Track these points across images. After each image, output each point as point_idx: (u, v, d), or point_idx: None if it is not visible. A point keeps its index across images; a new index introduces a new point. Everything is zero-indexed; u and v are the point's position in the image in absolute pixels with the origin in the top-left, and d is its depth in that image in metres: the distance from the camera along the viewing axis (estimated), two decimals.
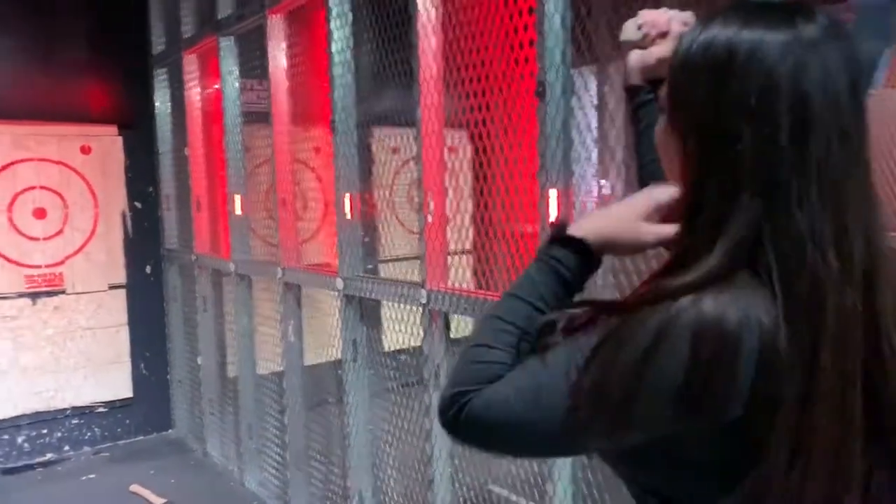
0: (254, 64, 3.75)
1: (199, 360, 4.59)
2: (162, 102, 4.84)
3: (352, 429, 3.05)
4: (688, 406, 0.76)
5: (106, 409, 4.83)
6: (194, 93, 4.38)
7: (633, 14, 1.10)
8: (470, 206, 2.59)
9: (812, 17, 0.78)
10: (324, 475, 3.48)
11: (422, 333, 2.54)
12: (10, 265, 4.45)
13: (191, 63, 4.36)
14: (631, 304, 0.82)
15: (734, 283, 0.77)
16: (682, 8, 1.06)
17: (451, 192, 2.59)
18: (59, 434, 4.69)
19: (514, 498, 2.58)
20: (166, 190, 4.89)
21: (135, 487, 4.11)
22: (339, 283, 2.98)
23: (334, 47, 2.88)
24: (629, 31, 1.08)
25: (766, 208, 0.77)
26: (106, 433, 4.84)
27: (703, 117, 0.81)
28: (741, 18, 0.79)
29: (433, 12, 2.42)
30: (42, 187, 4.54)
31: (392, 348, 3.25)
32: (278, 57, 3.40)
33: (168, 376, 5.09)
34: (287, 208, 3.45)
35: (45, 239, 4.56)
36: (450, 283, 2.53)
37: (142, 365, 4.97)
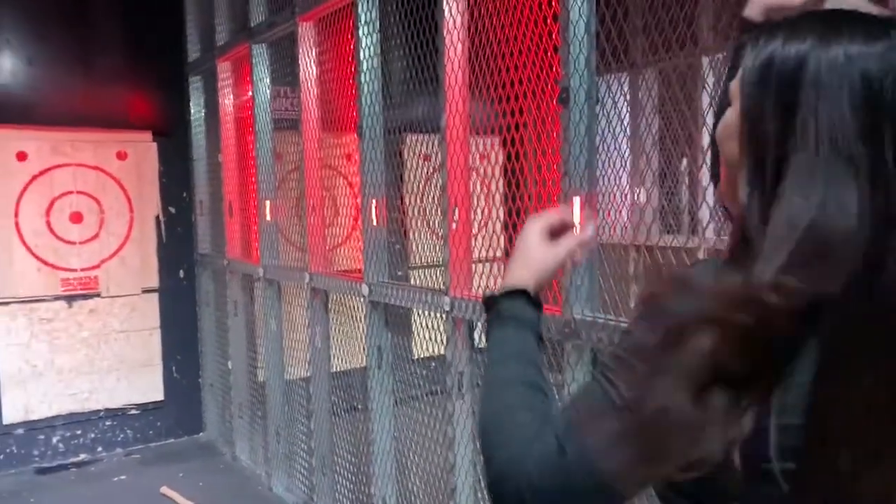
0: (286, 71, 3.79)
1: (229, 365, 4.63)
2: (196, 109, 4.92)
3: (375, 436, 3.05)
4: None
5: (138, 412, 4.90)
6: (227, 100, 4.43)
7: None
8: (502, 212, 2.57)
9: None
10: (350, 481, 3.48)
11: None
12: (47, 268, 4.54)
13: (224, 70, 4.42)
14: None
15: None
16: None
17: (481, 199, 2.58)
18: (93, 435, 4.77)
19: None
20: (200, 195, 4.96)
21: (165, 490, 4.16)
22: (365, 289, 2.98)
23: (362, 54, 2.90)
24: None
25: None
26: (138, 435, 4.91)
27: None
28: (831, 30, 0.77)
29: (459, 19, 2.42)
30: (79, 192, 4.64)
31: (422, 356, 3.24)
32: (308, 64, 3.43)
33: (199, 380, 5.14)
34: (315, 214, 3.47)
35: (81, 243, 4.65)
36: (477, 291, 2.51)
37: (173, 368, 5.03)
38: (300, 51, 3.43)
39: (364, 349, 3.11)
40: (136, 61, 4.84)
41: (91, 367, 4.72)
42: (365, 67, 2.91)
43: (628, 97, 4.88)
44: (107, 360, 4.77)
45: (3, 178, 4.41)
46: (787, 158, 0.77)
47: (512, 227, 2.46)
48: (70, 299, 4.64)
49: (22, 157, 4.46)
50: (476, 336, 2.50)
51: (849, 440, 0.72)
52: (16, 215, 4.44)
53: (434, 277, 3.05)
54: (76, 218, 4.63)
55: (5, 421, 4.49)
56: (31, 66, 4.54)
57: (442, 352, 2.60)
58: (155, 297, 4.93)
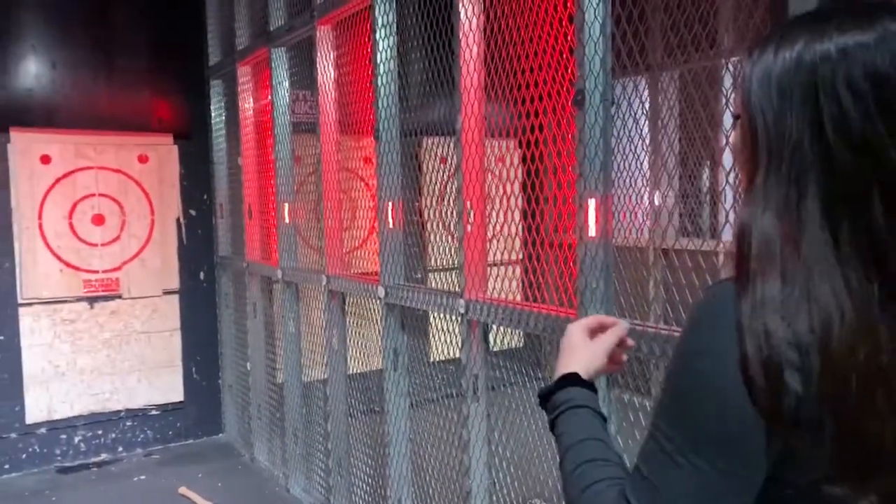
0: (304, 75, 3.82)
1: (248, 366, 4.66)
2: (217, 113, 4.96)
3: (391, 438, 3.05)
4: None
5: (158, 412, 4.95)
6: (247, 103, 4.47)
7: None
8: (518, 215, 2.57)
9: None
10: (366, 483, 3.49)
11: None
12: (70, 270, 4.60)
13: (244, 74, 4.45)
14: None
15: None
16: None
17: (497, 202, 2.57)
18: (114, 435, 4.82)
19: None
20: (220, 198, 5.00)
21: (183, 490, 4.19)
22: (381, 292, 2.99)
23: (379, 57, 2.90)
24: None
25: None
26: (158, 436, 4.95)
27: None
28: (819, 26, 0.78)
29: (475, 21, 2.42)
30: (101, 195, 4.69)
31: (439, 359, 3.25)
32: (326, 67, 3.45)
33: (219, 381, 5.18)
34: (333, 217, 3.48)
35: (103, 245, 4.71)
36: (493, 294, 2.51)
37: (193, 369, 5.07)
38: (318, 54, 3.45)
39: (381, 351, 3.11)
40: (157, 65, 4.89)
41: (112, 367, 4.77)
42: (382, 70, 2.91)
43: (646, 100, 4.86)
44: (128, 361, 4.82)
45: (28, 181, 4.48)
46: (800, 169, 0.77)
47: (528, 230, 2.46)
48: (92, 300, 4.70)
49: (46, 160, 4.53)
50: (491, 339, 2.50)
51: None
52: (39, 217, 4.51)
53: (452, 280, 3.05)
54: (98, 220, 4.69)
55: (28, 420, 4.55)
56: (54, 71, 4.61)
57: (458, 354, 2.59)
58: (175, 298, 4.98)
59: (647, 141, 4.62)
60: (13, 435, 4.53)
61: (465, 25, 2.42)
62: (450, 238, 4.47)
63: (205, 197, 5.09)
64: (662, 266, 4.89)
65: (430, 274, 4.58)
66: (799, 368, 0.74)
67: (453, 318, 2.59)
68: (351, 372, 3.57)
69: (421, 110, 3.25)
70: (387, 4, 2.88)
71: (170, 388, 4.97)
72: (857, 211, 0.75)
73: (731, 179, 2.11)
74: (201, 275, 5.11)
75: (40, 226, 4.51)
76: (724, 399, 0.77)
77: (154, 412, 4.94)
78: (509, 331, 2.46)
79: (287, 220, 3.96)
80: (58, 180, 4.56)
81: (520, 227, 2.53)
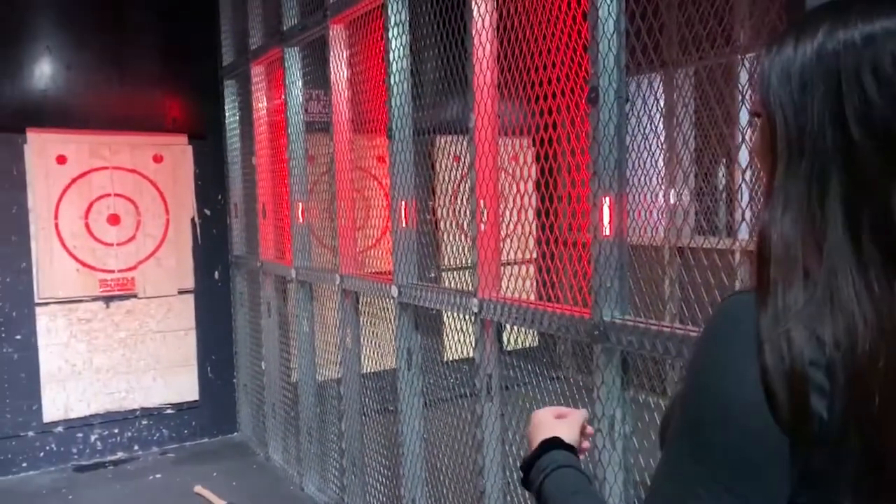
0: (318, 74, 3.82)
1: (263, 365, 4.67)
2: (231, 112, 4.97)
3: (405, 437, 3.04)
4: None
5: (174, 411, 4.97)
6: (261, 103, 4.48)
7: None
8: (531, 214, 2.55)
9: None
10: (381, 483, 3.49)
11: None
12: (86, 269, 4.63)
13: (258, 74, 4.46)
14: None
15: None
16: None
17: (511, 201, 2.56)
18: (130, 434, 4.85)
19: None
20: (234, 198, 5.01)
21: (198, 489, 4.21)
22: (394, 291, 2.98)
23: (392, 56, 2.90)
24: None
25: None
26: (173, 434, 4.98)
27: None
28: (853, 12, 0.74)
29: (488, 18, 2.40)
30: (116, 195, 4.72)
31: (453, 358, 3.24)
32: (339, 66, 3.45)
33: (234, 380, 5.20)
34: (346, 216, 3.48)
35: (118, 244, 4.73)
36: (508, 293, 2.50)
37: (208, 368, 5.09)
38: (331, 53, 3.45)
39: (395, 351, 3.11)
40: (171, 66, 4.92)
41: (128, 366, 4.80)
42: (395, 69, 2.91)
43: (661, 96, 4.83)
44: (143, 360, 4.84)
45: (44, 181, 4.51)
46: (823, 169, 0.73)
47: (542, 229, 2.44)
48: (108, 300, 4.72)
49: (62, 160, 4.56)
50: (504, 338, 2.49)
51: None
52: (55, 217, 4.54)
53: (465, 279, 3.04)
54: (114, 220, 4.72)
55: (45, 419, 4.58)
56: (70, 72, 4.63)
57: (472, 354, 2.58)
58: (190, 298, 5.00)
59: (662, 138, 4.59)
60: (31, 433, 4.57)
61: (478, 23, 2.41)
62: (463, 237, 4.46)
63: (219, 196, 5.11)
64: (678, 265, 4.85)
65: (443, 273, 4.57)
66: (823, 381, 0.70)
67: (467, 317, 2.58)
68: (365, 371, 3.57)
69: (434, 109, 3.24)
70: (399, 3, 2.88)
71: (185, 388, 4.99)
72: (880, 210, 0.71)
73: (747, 177, 2.09)
74: (216, 274, 5.13)
75: (56, 226, 4.54)
76: (744, 422, 0.72)
77: (169, 411, 4.96)
78: (523, 330, 2.44)
79: (301, 220, 3.96)
80: (73, 180, 4.59)
81: (533, 225, 2.52)
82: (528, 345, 3.70)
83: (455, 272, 3.46)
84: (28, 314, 4.52)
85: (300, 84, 3.94)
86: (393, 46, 2.89)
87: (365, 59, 3.35)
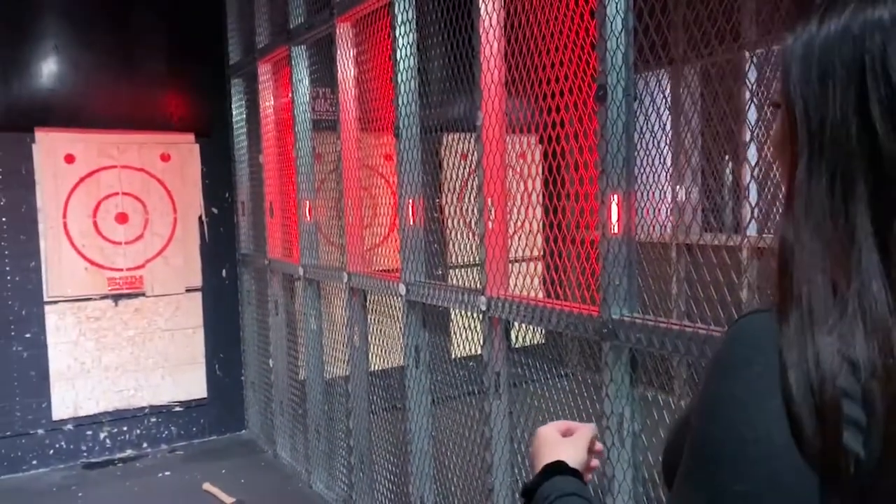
0: (325, 72, 3.82)
1: (271, 363, 4.69)
2: (238, 111, 4.98)
3: (413, 435, 3.05)
4: None
5: (182, 409, 4.99)
6: (268, 101, 4.48)
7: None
8: (539, 211, 2.55)
9: None
10: (389, 480, 3.50)
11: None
12: (94, 268, 4.65)
13: (265, 72, 4.47)
14: None
15: None
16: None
17: (519, 199, 2.56)
18: (138, 431, 4.87)
19: None
20: (241, 196, 5.02)
21: (207, 486, 4.22)
22: (402, 289, 2.98)
23: (399, 54, 2.90)
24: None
25: None
26: (181, 432, 4.99)
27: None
28: None
29: (495, 16, 2.40)
30: (124, 193, 4.74)
31: (460, 355, 3.24)
32: (346, 64, 3.45)
33: (242, 378, 5.21)
34: (354, 214, 3.49)
35: (126, 243, 4.75)
36: (515, 291, 2.50)
37: (216, 366, 5.11)
38: (338, 52, 3.45)
39: (402, 348, 3.12)
40: (178, 64, 4.93)
41: (136, 364, 4.82)
42: (402, 67, 2.91)
43: (668, 94, 4.82)
44: (152, 358, 4.86)
45: (52, 180, 4.53)
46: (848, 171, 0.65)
47: (549, 227, 2.44)
48: (116, 298, 4.74)
49: (70, 159, 4.57)
50: (513, 336, 2.49)
51: None
52: (64, 216, 4.56)
53: (472, 277, 3.04)
54: (122, 219, 4.73)
55: (55, 417, 4.61)
56: (77, 71, 4.65)
57: (480, 352, 2.59)
58: (198, 296, 5.02)
59: (670, 136, 4.58)
60: (40, 431, 4.59)
61: (486, 21, 2.41)
62: (470, 235, 4.46)
63: (226, 195, 5.12)
64: (686, 262, 4.85)
65: (450, 270, 4.57)
66: (859, 414, 0.60)
67: (475, 315, 2.58)
68: (372, 369, 3.58)
69: (441, 107, 3.24)
70: (406, 1, 2.88)
71: (193, 385, 5.01)
72: None
73: (755, 174, 2.09)
74: (223, 272, 5.14)
75: (65, 225, 4.56)
76: (767, 467, 0.62)
77: (178, 409, 4.98)
78: (530, 327, 2.45)
79: (308, 218, 3.97)
80: (82, 179, 4.61)
81: (541, 223, 2.52)
82: (535, 342, 3.71)
83: (462, 269, 3.47)
84: (37, 312, 4.55)
85: (307, 82, 3.94)
86: (400, 45, 2.89)
87: (372, 58, 3.35)
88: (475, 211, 2.52)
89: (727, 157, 4.75)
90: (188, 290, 4.97)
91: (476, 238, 2.56)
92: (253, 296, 5.02)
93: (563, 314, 2.11)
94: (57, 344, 4.59)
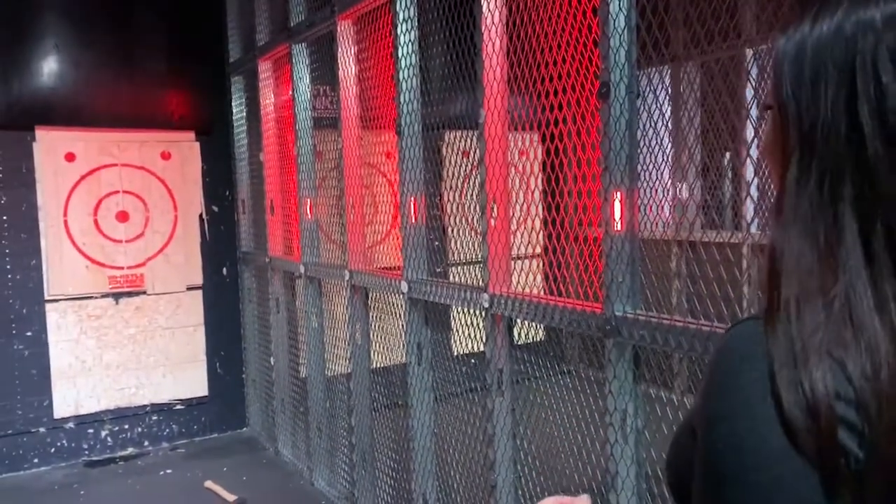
0: (325, 70, 3.82)
1: (272, 361, 4.69)
2: (238, 109, 4.98)
3: (415, 432, 3.05)
4: None
5: (183, 407, 4.99)
6: (268, 99, 4.48)
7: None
8: (541, 209, 2.55)
9: None
10: (391, 477, 3.50)
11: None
12: (95, 266, 4.65)
13: (265, 70, 4.47)
14: None
15: None
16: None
17: (520, 196, 2.56)
18: (140, 429, 4.87)
19: None
20: (242, 194, 5.02)
21: (209, 484, 4.23)
22: (404, 287, 2.99)
23: (401, 51, 2.90)
24: None
25: None
26: (183, 430, 5.00)
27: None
28: None
29: (497, 14, 2.40)
30: (125, 191, 4.74)
31: (461, 352, 3.25)
32: (347, 62, 3.45)
33: (242, 376, 5.22)
34: (355, 212, 3.49)
35: (127, 241, 4.75)
36: (516, 288, 2.50)
37: (217, 364, 5.11)
38: (339, 49, 3.45)
39: (404, 345, 3.12)
40: (178, 63, 4.92)
41: (137, 362, 4.82)
42: (403, 65, 2.91)
43: (670, 90, 4.82)
44: (153, 356, 4.87)
45: (53, 179, 4.53)
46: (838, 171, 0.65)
47: (552, 224, 2.45)
48: (117, 296, 4.74)
49: (70, 157, 4.57)
50: (515, 333, 2.49)
51: None
52: (65, 215, 4.56)
53: (473, 274, 3.04)
54: (122, 217, 4.73)
55: (56, 415, 4.61)
56: (78, 70, 4.64)
57: (481, 348, 2.59)
58: (199, 294, 5.02)
59: (672, 133, 4.58)
60: (42, 429, 4.60)
61: (488, 18, 2.41)
62: (472, 232, 4.46)
63: (227, 193, 5.12)
64: (688, 259, 4.85)
65: (450, 268, 4.58)
66: (852, 415, 0.61)
67: (477, 312, 2.59)
68: (374, 366, 3.58)
69: (443, 104, 3.24)
70: None
71: (194, 383, 5.01)
72: (892, 215, 0.63)
73: (758, 171, 2.09)
74: (224, 270, 5.15)
75: (66, 223, 4.56)
76: (768, 476, 0.62)
77: (179, 407, 4.98)
78: (531, 324, 2.45)
79: (309, 216, 3.97)
80: (82, 177, 4.61)
81: (544, 220, 2.52)
82: (535, 339, 3.72)
83: (462, 266, 3.48)
84: (38, 311, 4.55)
85: (308, 80, 3.94)
86: (401, 42, 2.89)
87: (373, 55, 3.35)
88: (477, 208, 2.53)
89: (728, 154, 4.75)
90: (189, 289, 4.98)
91: (478, 235, 2.57)
92: (253, 293, 5.02)
93: (566, 311, 2.11)
94: (58, 342, 4.59)
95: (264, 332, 4.84)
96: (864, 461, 0.60)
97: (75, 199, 4.59)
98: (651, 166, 2.08)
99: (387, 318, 3.60)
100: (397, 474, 3.45)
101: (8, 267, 4.47)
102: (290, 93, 4.05)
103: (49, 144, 4.51)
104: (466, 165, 3.38)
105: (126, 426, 4.83)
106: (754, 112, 2.76)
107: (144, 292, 4.82)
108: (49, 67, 4.57)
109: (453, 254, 4.49)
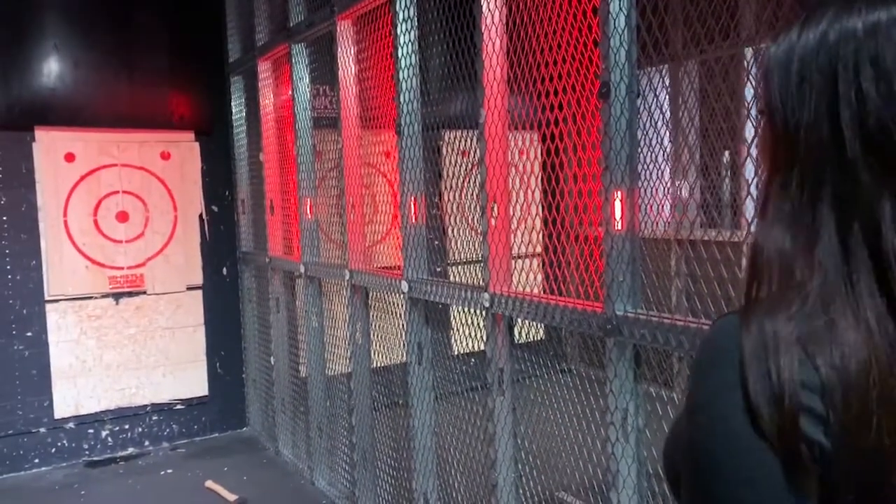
0: (325, 70, 3.82)
1: (272, 360, 4.69)
2: (237, 109, 4.98)
3: (416, 431, 3.06)
4: None
5: (183, 407, 4.99)
6: (268, 99, 4.48)
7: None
8: (541, 208, 2.56)
9: None
10: (391, 476, 3.51)
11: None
12: (95, 266, 4.65)
13: (265, 70, 4.47)
14: None
15: None
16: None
17: (520, 195, 2.56)
18: (140, 429, 4.87)
19: None
20: (242, 194, 5.02)
21: (209, 483, 4.23)
22: (405, 286, 2.99)
23: (400, 51, 2.90)
24: None
25: None
26: (183, 430, 5.00)
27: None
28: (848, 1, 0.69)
29: (497, 14, 2.41)
30: (125, 192, 4.74)
31: (461, 352, 3.25)
32: (347, 62, 3.45)
33: (243, 375, 5.22)
34: (355, 212, 3.49)
35: (127, 241, 4.75)
36: (517, 287, 2.51)
37: (217, 364, 5.11)
38: (339, 49, 3.46)
39: (404, 345, 3.13)
40: (178, 63, 4.92)
41: (138, 362, 4.82)
42: (403, 64, 2.91)
43: (670, 90, 4.82)
44: (153, 356, 4.87)
45: (53, 179, 4.52)
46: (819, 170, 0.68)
47: (552, 223, 2.45)
48: (117, 297, 4.75)
49: (70, 157, 4.57)
50: (516, 332, 2.50)
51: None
52: (65, 215, 4.56)
53: (473, 273, 3.05)
54: (122, 217, 4.74)
55: (56, 415, 4.61)
56: (77, 70, 4.64)
57: (481, 348, 2.60)
58: (199, 294, 5.02)
59: (671, 132, 4.59)
60: (42, 430, 4.60)
61: (488, 18, 2.41)
62: (472, 232, 4.47)
63: (226, 193, 5.12)
64: (688, 258, 4.86)
65: (449, 267, 4.59)
66: (817, 404, 0.62)
67: (478, 311, 2.59)
68: (374, 365, 3.58)
69: (443, 104, 3.24)
70: None
71: (194, 383, 5.01)
72: (868, 214, 0.65)
73: (758, 170, 2.10)
74: (224, 270, 5.15)
75: (66, 223, 4.56)
76: (739, 453, 0.65)
77: (179, 407, 4.98)
78: (531, 324, 2.45)
79: (309, 216, 3.97)
80: (82, 178, 4.61)
81: (545, 220, 2.53)
82: (535, 338, 3.72)
83: (462, 266, 3.49)
84: (38, 311, 4.55)
85: (307, 80, 3.94)
86: (401, 42, 2.90)
87: (373, 55, 3.35)
88: (477, 208, 2.53)
89: (727, 153, 4.76)
90: (189, 289, 4.98)
91: (479, 235, 2.57)
92: (253, 293, 5.03)
93: (567, 310, 2.12)
94: (58, 342, 4.59)
95: (264, 331, 4.84)
96: (831, 451, 0.62)
97: (75, 200, 4.59)
98: (651, 166, 2.09)
99: (387, 318, 3.61)
100: (398, 473, 3.45)
101: (8, 267, 4.48)
102: (290, 93, 4.06)
103: (49, 145, 4.51)
104: (466, 165, 3.38)
105: (126, 426, 4.84)
106: (754, 111, 2.76)
107: (144, 292, 4.83)
108: (49, 67, 4.57)
109: (453, 253, 4.50)
